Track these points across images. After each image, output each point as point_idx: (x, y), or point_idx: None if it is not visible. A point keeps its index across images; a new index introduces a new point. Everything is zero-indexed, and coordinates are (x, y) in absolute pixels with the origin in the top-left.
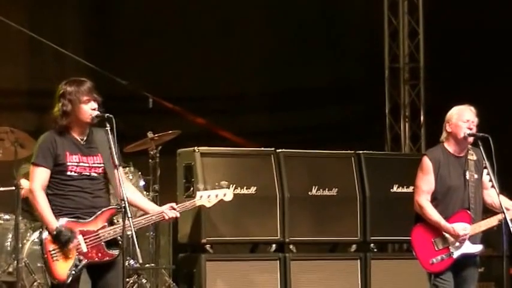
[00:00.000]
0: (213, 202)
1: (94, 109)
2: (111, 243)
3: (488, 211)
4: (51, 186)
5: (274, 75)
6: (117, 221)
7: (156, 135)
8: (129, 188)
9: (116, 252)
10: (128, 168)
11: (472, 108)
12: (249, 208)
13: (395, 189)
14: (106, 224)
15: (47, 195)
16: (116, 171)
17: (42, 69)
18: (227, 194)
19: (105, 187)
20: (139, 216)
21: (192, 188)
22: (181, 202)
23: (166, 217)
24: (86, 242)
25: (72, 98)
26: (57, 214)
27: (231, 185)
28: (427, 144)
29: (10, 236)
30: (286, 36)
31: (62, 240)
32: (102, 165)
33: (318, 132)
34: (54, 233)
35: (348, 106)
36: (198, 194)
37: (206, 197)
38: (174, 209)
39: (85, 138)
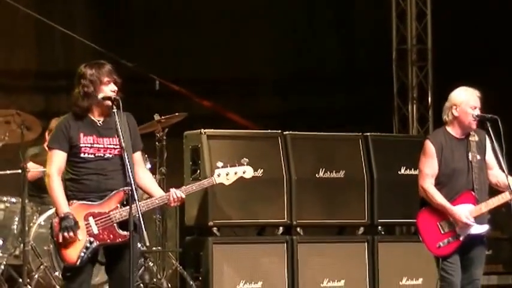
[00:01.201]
0: (232, 180)
1: (114, 91)
2: (124, 224)
3: (493, 192)
4: (67, 169)
5: (282, 58)
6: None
7: (163, 117)
8: (146, 174)
9: (127, 233)
10: None
11: (477, 92)
12: (256, 191)
13: (403, 171)
14: (118, 205)
15: (64, 180)
16: (135, 154)
17: (50, 52)
18: (247, 171)
19: (121, 168)
20: (146, 199)
21: (198, 171)
22: (189, 184)
23: (171, 198)
24: (96, 224)
25: (93, 79)
26: (72, 199)
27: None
28: (434, 126)
29: (17, 219)
30: (295, 19)
31: (61, 226)
32: (118, 147)
33: (325, 115)
34: (62, 215)
35: (356, 88)
36: (216, 171)
37: (225, 175)
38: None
39: (103, 119)
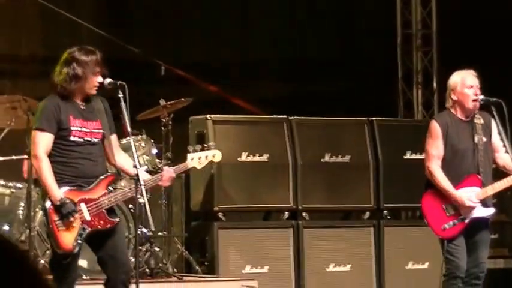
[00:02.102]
0: (203, 163)
1: (100, 82)
2: (111, 210)
3: (498, 174)
4: (53, 152)
5: (287, 42)
6: (114, 188)
7: (169, 103)
8: (121, 154)
9: (116, 219)
10: (140, 136)
11: (472, 71)
12: (262, 176)
13: (408, 155)
14: (106, 191)
15: (50, 162)
16: (112, 137)
17: (56, 38)
18: (216, 155)
19: (102, 154)
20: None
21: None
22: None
23: (165, 184)
24: (88, 211)
25: (84, 65)
26: (58, 182)
27: (243, 152)
28: (439, 110)
29: (22, 204)
30: (300, 4)
31: (63, 212)
32: (101, 130)
33: (330, 99)
34: (58, 203)
35: (361, 73)
36: (189, 156)
37: (197, 159)
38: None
39: (84, 104)
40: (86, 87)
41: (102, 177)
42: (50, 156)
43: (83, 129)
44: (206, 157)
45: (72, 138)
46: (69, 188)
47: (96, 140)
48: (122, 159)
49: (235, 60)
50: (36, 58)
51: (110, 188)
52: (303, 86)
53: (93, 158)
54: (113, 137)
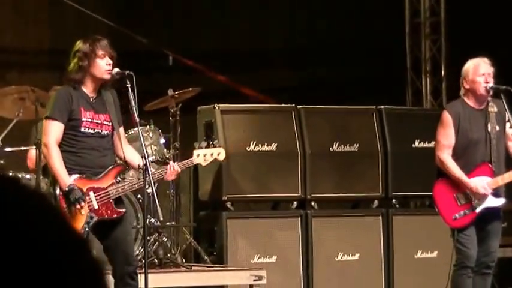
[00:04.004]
0: (208, 161)
1: (109, 65)
2: (118, 200)
3: (510, 164)
4: (63, 142)
5: (295, 31)
6: (122, 179)
7: (177, 92)
8: (128, 147)
9: (123, 209)
10: (148, 126)
11: (486, 59)
12: (270, 165)
13: (416, 144)
14: (114, 181)
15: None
16: (120, 129)
17: (64, 29)
18: (221, 153)
19: (111, 146)
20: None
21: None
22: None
23: (169, 178)
24: (96, 199)
25: (87, 52)
26: (69, 171)
27: (252, 142)
28: (448, 98)
29: None
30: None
31: (71, 199)
32: (110, 123)
33: (338, 88)
34: (66, 189)
35: (369, 61)
36: (195, 152)
37: (202, 156)
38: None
39: (96, 96)
40: (96, 73)
41: (110, 167)
42: (60, 146)
43: (94, 120)
44: (211, 155)
45: (82, 130)
46: (79, 176)
47: (105, 133)
48: (129, 152)
49: (243, 48)
50: (44, 49)
51: (118, 178)
52: (311, 75)
53: (101, 150)
54: (121, 130)
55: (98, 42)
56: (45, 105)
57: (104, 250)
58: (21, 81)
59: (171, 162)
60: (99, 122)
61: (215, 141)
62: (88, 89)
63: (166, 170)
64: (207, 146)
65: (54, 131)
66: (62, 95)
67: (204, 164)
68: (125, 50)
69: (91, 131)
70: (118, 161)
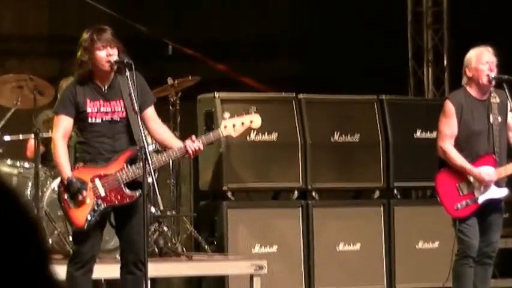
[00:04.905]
0: (239, 131)
1: (110, 55)
2: (133, 185)
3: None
4: (77, 133)
5: (296, 20)
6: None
7: (176, 81)
8: (159, 126)
9: (136, 193)
10: None
11: (490, 48)
12: (271, 155)
13: (418, 134)
14: (124, 165)
15: (76, 143)
16: (148, 110)
17: (63, 15)
18: (254, 120)
19: (126, 130)
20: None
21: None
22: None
23: (189, 150)
24: (103, 186)
25: (87, 45)
26: (81, 161)
27: (252, 131)
28: (450, 88)
29: (30, 184)
30: None
31: (71, 191)
32: (124, 109)
33: (339, 78)
34: (65, 182)
35: (370, 51)
36: (223, 123)
37: (231, 126)
38: (195, 141)
39: (109, 84)
40: (98, 65)
41: (120, 152)
42: (74, 137)
43: (102, 109)
44: (242, 123)
45: (89, 121)
46: (83, 165)
47: (117, 119)
48: (163, 133)
49: (244, 38)
50: (43, 36)
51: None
52: (312, 64)
53: (112, 135)
54: (149, 110)
55: (96, 34)
56: (44, 94)
57: (116, 232)
58: (21, 68)
59: (193, 136)
60: (110, 109)
61: (250, 109)
62: (98, 78)
63: (185, 146)
64: (239, 115)
65: (61, 125)
66: (66, 91)
67: (235, 135)
68: (125, 37)
69: (99, 120)
70: (140, 144)
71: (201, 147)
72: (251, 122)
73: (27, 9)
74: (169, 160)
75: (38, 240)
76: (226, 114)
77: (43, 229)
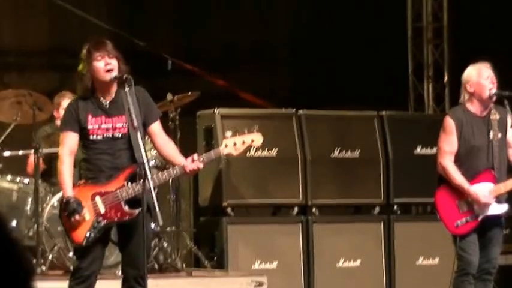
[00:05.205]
0: (240, 149)
1: (108, 64)
2: (133, 202)
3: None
4: (82, 150)
5: (296, 36)
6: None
7: (176, 97)
8: (165, 142)
9: (137, 210)
10: None
11: (488, 64)
12: (271, 170)
13: (418, 150)
14: (125, 182)
15: (80, 160)
16: (152, 126)
17: (64, 29)
18: (256, 139)
19: (128, 147)
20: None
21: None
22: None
23: (187, 170)
24: (103, 203)
25: (85, 57)
26: (84, 178)
27: (252, 148)
28: (451, 104)
29: (30, 200)
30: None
31: (67, 211)
32: (126, 125)
33: (340, 93)
34: (64, 200)
35: (371, 66)
36: (224, 141)
37: (232, 144)
38: (195, 160)
39: (111, 99)
40: (97, 76)
41: (123, 168)
42: (80, 154)
43: (103, 125)
44: (243, 142)
45: (91, 137)
46: (85, 182)
47: (119, 135)
48: (169, 149)
49: (243, 51)
50: (43, 50)
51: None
52: (312, 79)
53: (113, 152)
54: (154, 125)
55: (94, 45)
56: (43, 109)
57: (120, 250)
58: (21, 82)
59: (195, 154)
60: (111, 125)
61: (252, 127)
62: (100, 93)
63: (183, 165)
64: (240, 133)
65: (66, 142)
66: (68, 107)
67: (235, 153)
68: (124, 52)
69: (100, 137)
70: (139, 160)
71: (200, 167)
72: (252, 140)
73: (29, 23)
74: (169, 178)
75: (18, 256)
76: (228, 133)
77: (23, 246)
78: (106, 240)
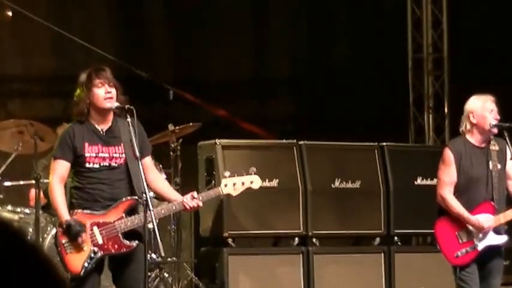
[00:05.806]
0: (239, 190)
1: (108, 93)
2: (131, 234)
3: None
4: (73, 178)
5: (296, 67)
6: (139, 213)
7: (177, 127)
8: (157, 177)
9: (134, 243)
10: None
11: (491, 96)
12: (272, 201)
13: (419, 181)
14: (123, 215)
15: (70, 188)
16: (137, 162)
17: (68, 58)
18: (254, 181)
19: (125, 177)
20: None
21: (213, 182)
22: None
23: (187, 206)
24: (101, 234)
25: (85, 82)
26: (77, 207)
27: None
28: (451, 135)
29: (30, 230)
30: (310, 23)
31: (71, 234)
32: (123, 155)
33: (340, 124)
34: (64, 226)
35: (371, 97)
36: (223, 181)
37: (232, 185)
38: (195, 198)
39: (107, 128)
40: (96, 103)
41: (120, 201)
42: (70, 181)
43: (100, 154)
44: (243, 183)
45: (87, 165)
46: (83, 211)
47: (115, 165)
48: (160, 183)
49: (244, 79)
50: (46, 78)
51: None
52: (312, 110)
53: (110, 182)
54: (146, 160)
55: (95, 72)
56: (44, 139)
57: (113, 280)
58: (24, 109)
59: (194, 193)
60: (108, 155)
61: (250, 169)
62: (96, 121)
63: (183, 201)
64: (238, 174)
65: (57, 169)
66: (64, 134)
67: (234, 194)
68: (125, 81)
69: (96, 165)
70: (139, 190)
71: (200, 205)
72: (251, 182)
73: (32, 51)
74: (168, 213)
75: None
76: (227, 173)
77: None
78: (101, 269)
